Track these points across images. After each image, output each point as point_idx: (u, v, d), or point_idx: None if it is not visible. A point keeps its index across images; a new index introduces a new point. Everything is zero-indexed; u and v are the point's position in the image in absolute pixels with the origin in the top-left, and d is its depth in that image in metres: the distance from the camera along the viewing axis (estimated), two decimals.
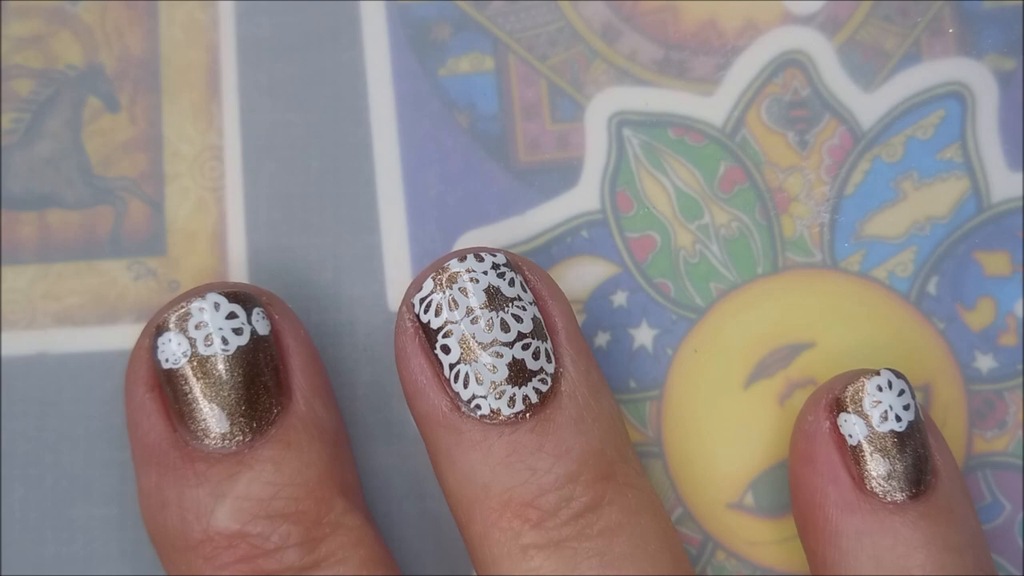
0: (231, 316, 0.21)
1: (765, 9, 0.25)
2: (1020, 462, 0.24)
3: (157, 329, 0.21)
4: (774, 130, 0.25)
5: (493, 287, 0.21)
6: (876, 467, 0.22)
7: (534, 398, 0.21)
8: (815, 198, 0.25)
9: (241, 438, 0.21)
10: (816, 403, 0.22)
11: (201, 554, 0.21)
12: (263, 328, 0.22)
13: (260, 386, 0.21)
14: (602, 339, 0.24)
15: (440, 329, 0.21)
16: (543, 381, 0.21)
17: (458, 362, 0.21)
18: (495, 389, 0.21)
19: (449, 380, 0.21)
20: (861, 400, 0.22)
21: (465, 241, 0.24)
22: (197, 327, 0.21)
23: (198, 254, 0.24)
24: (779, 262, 0.25)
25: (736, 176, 0.25)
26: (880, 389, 0.22)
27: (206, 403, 0.21)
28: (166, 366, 0.21)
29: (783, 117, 0.25)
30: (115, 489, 0.24)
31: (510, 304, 0.21)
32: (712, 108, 0.25)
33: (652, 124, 0.25)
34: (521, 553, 0.21)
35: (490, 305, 0.21)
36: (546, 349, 0.21)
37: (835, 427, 0.22)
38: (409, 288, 0.22)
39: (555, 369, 0.21)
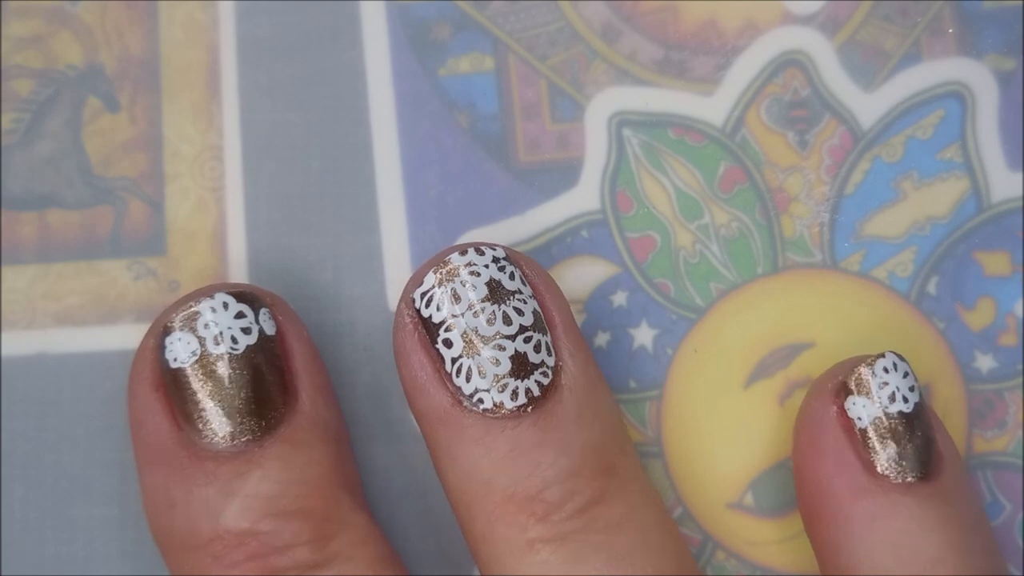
0: (240, 315, 0.21)
1: (765, 9, 0.25)
2: (1020, 462, 0.24)
3: (164, 329, 0.21)
4: (774, 130, 0.25)
5: (494, 280, 0.21)
6: (886, 449, 0.22)
7: (536, 391, 0.21)
8: (815, 198, 0.25)
9: (250, 437, 0.21)
10: (821, 390, 0.22)
11: (210, 553, 0.21)
12: (270, 328, 0.22)
13: (268, 385, 0.21)
14: (602, 339, 0.24)
15: (442, 323, 0.21)
16: (544, 374, 0.21)
17: (460, 356, 0.21)
18: (498, 382, 0.21)
19: (450, 375, 0.21)
20: (869, 383, 0.22)
21: (465, 241, 0.24)
22: (206, 326, 0.21)
23: (198, 254, 0.24)
24: (779, 262, 0.25)
25: (736, 176, 0.25)
26: (887, 371, 0.22)
27: (215, 402, 0.21)
28: (174, 366, 0.21)
29: (783, 117, 0.25)
30: (115, 489, 0.24)
31: (511, 297, 0.21)
32: (712, 108, 0.25)
33: (652, 124, 0.25)
34: (527, 547, 0.21)
35: (492, 298, 0.21)
36: (546, 342, 0.21)
37: (842, 412, 0.22)
38: (408, 284, 0.22)
39: (555, 363, 0.21)
